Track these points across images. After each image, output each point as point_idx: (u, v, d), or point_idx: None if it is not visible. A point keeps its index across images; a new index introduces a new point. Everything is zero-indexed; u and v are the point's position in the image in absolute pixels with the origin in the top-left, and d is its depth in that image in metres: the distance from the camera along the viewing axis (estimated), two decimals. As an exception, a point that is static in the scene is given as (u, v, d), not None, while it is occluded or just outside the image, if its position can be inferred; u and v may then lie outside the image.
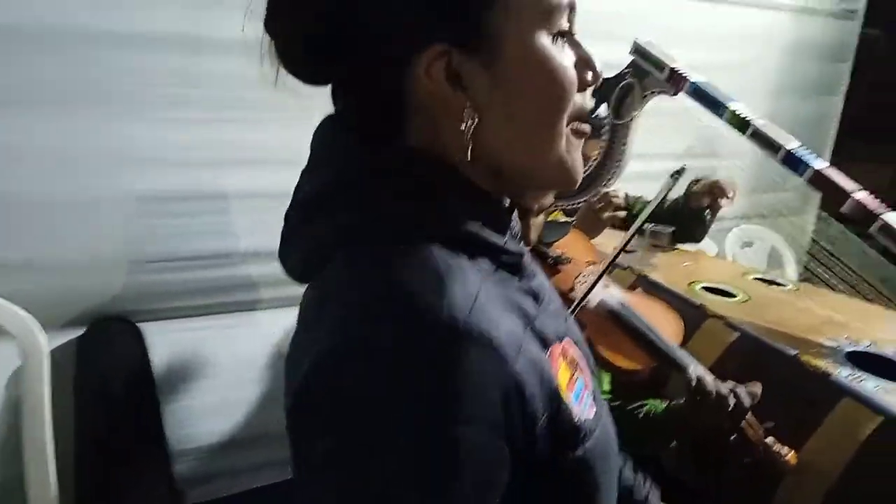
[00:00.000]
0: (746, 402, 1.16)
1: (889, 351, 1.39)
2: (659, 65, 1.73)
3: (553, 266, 1.41)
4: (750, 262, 2.87)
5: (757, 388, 1.18)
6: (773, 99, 2.82)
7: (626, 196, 2.12)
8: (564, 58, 0.58)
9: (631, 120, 1.83)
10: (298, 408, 0.52)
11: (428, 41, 0.54)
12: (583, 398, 0.58)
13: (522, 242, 0.65)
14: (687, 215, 1.92)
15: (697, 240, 2.03)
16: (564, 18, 0.59)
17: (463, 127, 0.56)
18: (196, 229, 1.84)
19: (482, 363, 0.48)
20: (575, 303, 1.30)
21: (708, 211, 1.90)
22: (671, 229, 1.92)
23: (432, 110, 0.57)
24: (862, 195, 1.45)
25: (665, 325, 1.33)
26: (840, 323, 1.50)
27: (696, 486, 1.47)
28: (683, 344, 1.45)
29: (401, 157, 0.57)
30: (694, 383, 1.18)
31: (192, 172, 1.84)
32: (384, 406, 0.47)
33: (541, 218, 1.31)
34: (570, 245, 1.48)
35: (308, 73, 0.59)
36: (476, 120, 0.56)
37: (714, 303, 1.55)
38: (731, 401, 1.16)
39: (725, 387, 1.18)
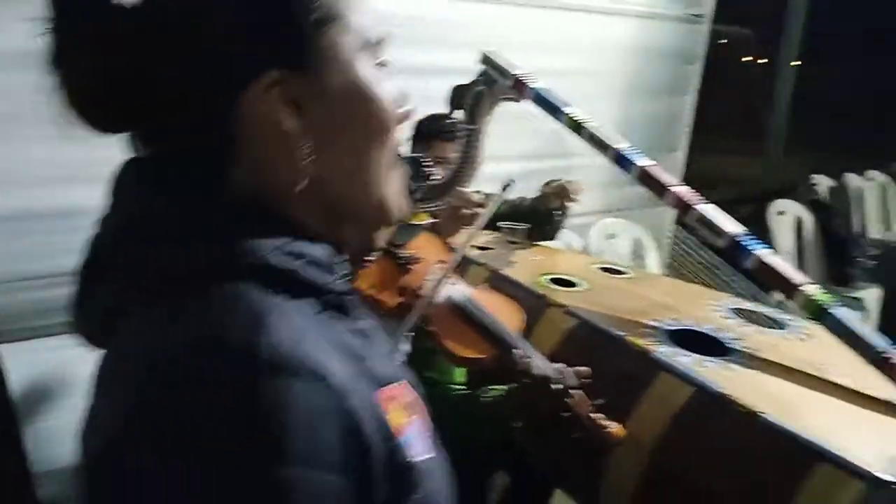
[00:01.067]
0: (572, 381, 1.27)
1: (707, 328, 1.54)
2: (504, 73, 1.84)
3: (404, 266, 1.49)
4: (614, 254, 3.06)
5: (583, 369, 1.30)
6: (627, 100, 3.02)
7: (486, 196, 2.24)
8: (387, 92, 0.58)
9: (483, 124, 1.95)
10: (102, 478, 0.47)
11: (262, 68, 0.52)
12: (418, 441, 0.56)
13: (354, 280, 0.63)
14: (540, 216, 2.05)
15: (550, 238, 2.17)
16: (380, 53, 0.59)
17: (297, 157, 0.54)
18: (51, 247, 1.81)
19: (313, 399, 0.46)
20: (423, 299, 1.37)
21: (558, 212, 2.04)
22: (526, 227, 2.04)
23: (264, 142, 0.54)
24: (680, 189, 1.61)
25: (506, 316, 1.42)
26: (668, 305, 1.65)
27: (540, 463, 1.58)
28: (528, 332, 1.56)
29: (215, 198, 0.54)
30: (524, 367, 1.28)
31: (44, 190, 1.80)
32: (202, 458, 0.43)
33: None
34: (422, 246, 1.56)
35: (107, 118, 0.54)
36: (311, 149, 0.55)
37: (557, 293, 1.67)
38: (558, 381, 1.27)
39: (554, 368, 1.28)
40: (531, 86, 1.79)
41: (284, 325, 0.48)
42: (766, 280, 1.47)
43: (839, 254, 4.39)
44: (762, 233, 4.02)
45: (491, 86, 1.87)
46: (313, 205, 0.57)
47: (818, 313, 1.40)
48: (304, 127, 0.54)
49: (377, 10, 0.59)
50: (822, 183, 5.10)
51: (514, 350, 1.33)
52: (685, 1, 3.09)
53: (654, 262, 3.18)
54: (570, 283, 1.76)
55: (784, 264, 1.47)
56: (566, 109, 1.73)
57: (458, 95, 1.96)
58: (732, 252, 1.51)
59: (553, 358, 1.49)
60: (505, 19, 2.56)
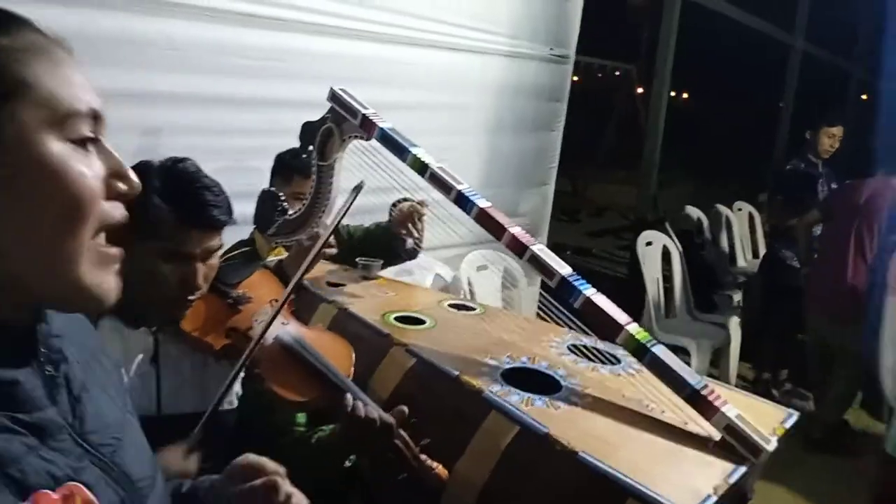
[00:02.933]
0: (389, 420, 1.27)
1: (542, 365, 1.58)
2: (353, 111, 1.85)
3: (233, 306, 1.45)
4: (485, 285, 3.11)
5: (401, 408, 1.31)
6: (493, 136, 3.10)
7: (345, 226, 2.23)
8: (83, 166, 0.56)
9: (334, 161, 1.95)
10: None
11: None
12: None
13: (55, 367, 0.60)
14: (392, 238, 2.06)
15: (411, 258, 2.17)
16: (85, 126, 0.57)
17: None
18: None
19: None
20: (253, 341, 1.34)
21: (410, 233, 2.06)
22: (380, 261, 2.04)
23: None
24: (515, 230, 1.65)
25: (336, 356, 1.41)
26: (508, 342, 1.68)
27: (383, 499, 1.57)
28: (371, 370, 1.56)
29: None
30: (349, 408, 1.28)
31: None
32: None
33: (216, 260, 1.34)
34: (255, 285, 1.53)
35: None
36: None
37: (401, 331, 1.67)
38: (383, 424, 1.27)
39: (374, 411, 1.28)
40: (378, 125, 1.81)
41: None
42: (593, 318, 1.54)
43: (706, 282, 4.64)
44: (636, 263, 4.20)
45: (340, 123, 1.88)
46: (4, 289, 0.55)
47: (639, 351, 1.47)
48: None
49: (89, 80, 0.57)
50: (693, 213, 5.40)
51: (340, 391, 1.32)
52: (550, 41, 3.22)
53: (525, 293, 3.25)
54: (418, 321, 1.77)
55: (608, 304, 1.53)
56: (413, 150, 1.76)
57: (309, 132, 1.96)
58: (563, 291, 1.57)
59: (395, 396, 1.49)
60: (368, 54, 2.59)
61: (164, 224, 1.22)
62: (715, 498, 1.22)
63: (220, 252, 1.35)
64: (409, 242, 2.06)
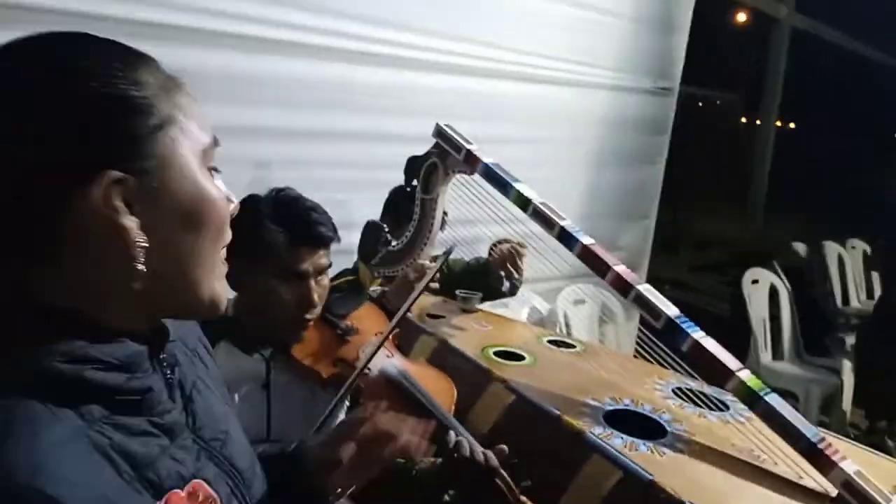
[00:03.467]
0: (493, 462, 1.26)
1: (646, 408, 1.54)
2: (457, 146, 1.89)
3: (341, 337, 1.49)
4: (581, 319, 3.06)
5: (502, 447, 1.30)
6: (595, 168, 3.07)
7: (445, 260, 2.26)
8: (218, 191, 0.63)
9: (437, 195, 1.98)
10: None
11: (97, 168, 0.54)
12: None
13: (171, 371, 0.65)
14: (491, 277, 2.08)
15: (510, 295, 2.18)
16: (213, 156, 0.64)
17: (133, 254, 0.56)
18: None
19: None
20: (356, 371, 1.38)
21: (508, 274, 2.07)
22: (479, 294, 2.05)
23: (99, 241, 0.56)
24: (621, 268, 1.63)
25: (439, 392, 1.43)
26: (610, 382, 1.65)
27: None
28: (470, 405, 1.57)
29: (14, 302, 0.55)
30: (451, 445, 1.28)
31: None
32: None
33: (326, 280, 1.39)
34: (363, 317, 1.57)
35: None
36: (147, 247, 0.57)
37: (500, 366, 1.67)
38: (485, 463, 1.27)
39: (478, 448, 1.28)
40: (482, 160, 1.84)
41: (27, 447, 0.49)
42: (701, 362, 1.49)
43: (816, 323, 4.40)
44: (739, 299, 4.04)
45: (444, 158, 1.92)
46: (140, 302, 0.59)
47: (751, 399, 1.41)
48: (141, 225, 0.57)
49: (209, 116, 0.62)
50: (801, 250, 5.15)
51: (443, 426, 1.33)
52: (653, 75, 3.18)
53: (622, 329, 3.18)
54: (517, 356, 1.76)
55: (718, 348, 1.48)
56: (516, 185, 1.77)
57: (413, 166, 2.01)
58: (669, 333, 1.53)
59: (494, 432, 1.49)
60: (478, 90, 2.64)
61: (278, 246, 1.33)
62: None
63: (330, 272, 1.42)
64: (507, 284, 2.07)
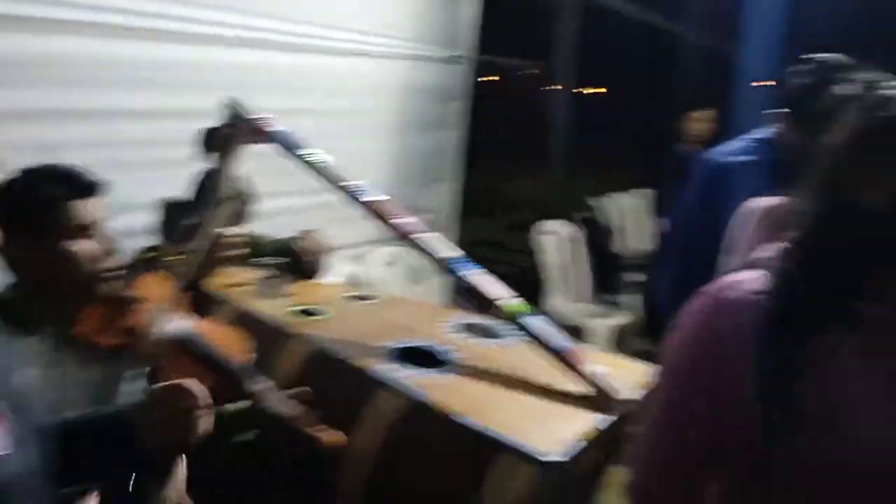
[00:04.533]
0: (290, 402, 1.37)
1: (433, 343, 1.71)
2: (245, 118, 1.94)
3: (125, 306, 1.51)
4: (393, 281, 3.23)
5: (303, 389, 1.41)
6: (398, 136, 3.23)
7: (251, 234, 2.31)
8: None
9: (230, 167, 2.02)
10: None
11: None
12: None
13: None
14: (297, 262, 2.18)
15: (310, 277, 2.29)
16: None
17: None
18: None
19: None
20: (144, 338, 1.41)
21: (313, 261, 2.18)
22: (284, 260, 2.13)
23: None
24: (402, 219, 1.78)
25: (230, 345, 1.50)
26: (403, 326, 1.80)
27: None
28: (272, 362, 1.65)
29: None
30: (249, 391, 1.37)
31: None
32: None
33: (109, 232, 1.41)
34: (151, 286, 1.59)
35: None
36: None
37: (300, 323, 1.77)
38: (279, 404, 1.37)
39: (281, 394, 1.38)
40: (271, 130, 1.90)
41: None
42: (476, 295, 1.68)
43: (608, 266, 4.90)
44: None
45: (235, 130, 1.96)
46: None
47: (518, 322, 1.62)
48: None
49: None
50: (594, 203, 5.67)
51: (237, 377, 1.41)
52: (448, 44, 3.36)
53: (434, 287, 3.38)
54: (317, 313, 1.87)
55: (490, 282, 1.68)
56: (302, 151, 1.86)
57: (208, 138, 2.03)
58: (449, 273, 1.70)
59: (295, 383, 1.59)
60: (273, 63, 2.67)
61: (54, 208, 1.33)
62: (584, 444, 1.37)
63: (109, 224, 1.43)
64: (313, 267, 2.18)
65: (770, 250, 0.92)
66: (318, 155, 1.86)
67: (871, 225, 0.80)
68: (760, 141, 1.82)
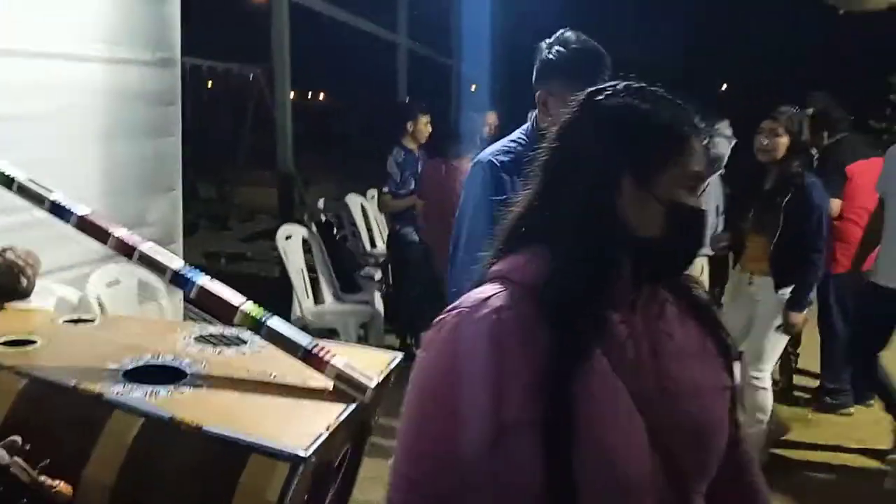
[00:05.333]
0: (3, 455, 1.23)
1: (167, 358, 1.63)
2: None
3: None
4: (118, 301, 2.98)
5: (12, 438, 1.27)
6: (105, 143, 2.98)
7: None
8: None
9: None
10: None
11: None
12: None
13: None
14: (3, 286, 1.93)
15: (23, 297, 2.04)
16: None
17: None
18: None
19: None
20: None
21: (16, 280, 1.94)
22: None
23: None
24: (120, 232, 1.67)
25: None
26: (131, 345, 1.68)
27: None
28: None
29: None
30: None
31: None
32: None
33: None
34: None
35: None
36: None
37: (7, 355, 1.58)
38: None
39: None
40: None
41: None
42: (210, 305, 1.63)
43: (348, 266, 5.00)
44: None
45: None
46: None
47: (256, 326, 1.61)
48: None
49: None
50: (332, 205, 5.75)
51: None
52: (152, 46, 3.18)
53: (167, 303, 3.18)
54: (29, 343, 1.67)
55: (224, 289, 1.64)
56: (-11, 163, 1.66)
57: None
58: (178, 285, 1.63)
59: (8, 424, 1.41)
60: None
61: None
62: (326, 434, 1.40)
63: None
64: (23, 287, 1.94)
65: (509, 262, 0.94)
66: (8, 168, 1.67)
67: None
68: (521, 138, 1.97)
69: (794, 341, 3.97)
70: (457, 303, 0.92)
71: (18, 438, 1.29)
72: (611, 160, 0.90)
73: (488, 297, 0.90)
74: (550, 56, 1.89)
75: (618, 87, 0.95)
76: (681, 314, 0.99)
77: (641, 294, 0.94)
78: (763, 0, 13.72)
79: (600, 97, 0.95)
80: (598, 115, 0.94)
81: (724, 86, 16.08)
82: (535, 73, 1.93)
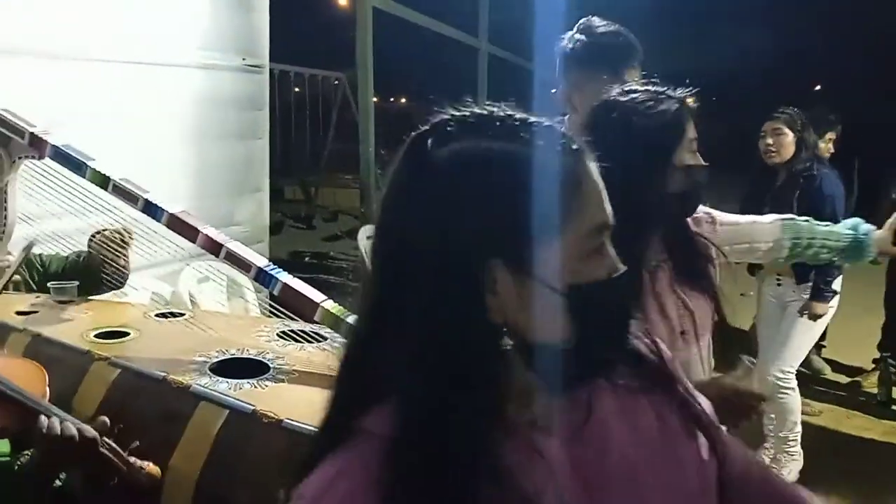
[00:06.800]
0: (90, 433, 1.28)
1: (252, 353, 1.67)
2: (18, 131, 1.78)
3: None
4: (208, 297, 3.09)
5: (104, 419, 1.32)
6: (196, 146, 3.10)
7: (38, 256, 2.11)
8: None
9: (5, 185, 1.85)
10: None
11: None
12: None
13: None
14: (94, 269, 2.00)
15: (118, 287, 2.12)
16: None
17: None
18: None
19: None
20: None
21: (114, 261, 2.01)
22: (75, 283, 1.97)
23: None
24: (208, 230, 1.72)
25: (26, 380, 1.38)
26: (218, 339, 1.74)
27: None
28: (74, 389, 1.53)
29: None
30: (43, 430, 1.26)
31: None
32: None
33: None
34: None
35: None
36: None
37: (102, 346, 1.65)
38: (77, 437, 1.27)
39: (72, 426, 1.28)
40: (50, 142, 1.76)
41: None
42: (292, 301, 1.66)
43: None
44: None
45: (6, 144, 1.79)
46: None
47: (336, 323, 1.63)
48: None
49: None
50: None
51: (34, 413, 1.30)
52: (242, 52, 3.29)
53: (252, 299, 3.28)
54: (121, 335, 1.75)
55: (305, 287, 1.67)
56: (89, 164, 1.74)
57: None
58: (262, 282, 1.67)
59: (102, 409, 1.48)
60: (55, 75, 2.47)
61: None
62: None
63: None
64: (114, 274, 2.01)
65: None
66: (105, 168, 1.75)
67: None
68: None
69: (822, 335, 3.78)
70: (299, 488, 0.66)
71: (107, 419, 1.35)
72: (470, 241, 0.61)
73: (332, 480, 0.64)
74: (571, 47, 1.70)
75: (442, 123, 0.65)
76: (618, 396, 0.71)
77: (549, 409, 0.67)
78: None
79: (427, 146, 0.64)
80: (432, 175, 0.63)
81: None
82: (557, 69, 1.74)
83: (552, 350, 0.64)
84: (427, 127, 0.65)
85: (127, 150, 2.61)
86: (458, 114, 0.65)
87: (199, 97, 3.09)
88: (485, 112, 0.65)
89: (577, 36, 1.70)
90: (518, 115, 0.65)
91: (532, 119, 0.65)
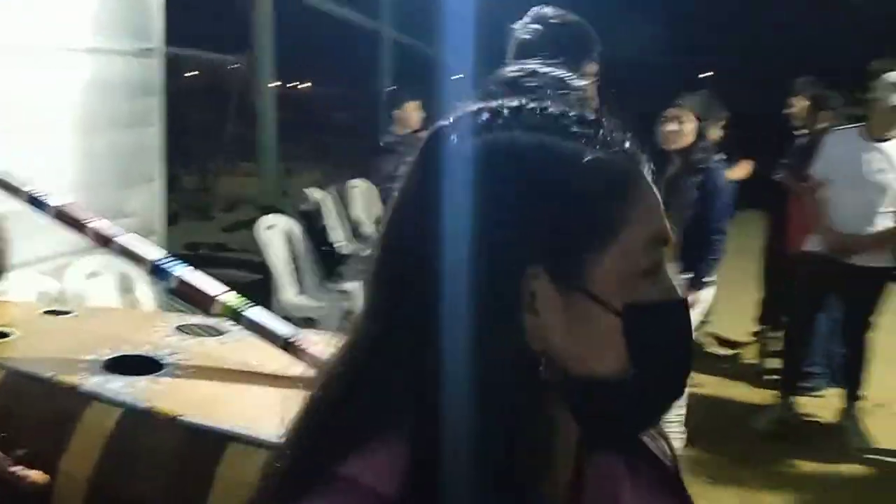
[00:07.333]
0: None
1: (145, 350, 1.63)
2: None
3: None
4: (97, 293, 2.96)
5: None
6: (87, 135, 2.96)
7: None
8: None
9: None
10: None
11: None
12: None
13: None
14: None
15: None
16: None
17: None
18: None
19: None
20: None
21: None
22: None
23: None
24: (97, 224, 1.66)
25: None
26: (110, 336, 1.68)
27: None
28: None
29: None
30: None
31: None
32: None
33: None
34: None
35: None
36: None
37: (-17, 347, 1.57)
38: None
39: None
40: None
41: None
42: (189, 295, 1.63)
43: (332, 255, 4.99)
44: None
45: None
46: None
47: (235, 316, 1.60)
48: None
49: None
50: (313, 195, 5.72)
51: None
52: (133, 36, 3.15)
53: (146, 294, 3.16)
54: (2, 335, 1.66)
55: (203, 279, 1.64)
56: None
57: None
58: (157, 276, 1.63)
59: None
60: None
61: None
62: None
63: None
64: None
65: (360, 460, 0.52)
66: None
67: None
68: None
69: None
70: None
71: None
72: (505, 242, 0.50)
73: None
74: (526, 36, 1.66)
75: (484, 111, 0.55)
76: (635, 486, 0.60)
77: (584, 479, 0.57)
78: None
79: (454, 139, 0.54)
80: (461, 167, 0.52)
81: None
82: (508, 58, 1.71)
83: (606, 388, 0.51)
84: (451, 119, 0.56)
85: (10, 138, 2.46)
86: (485, 106, 0.55)
87: (88, 83, 2.93)
88: (521, 103, 0.55)
89: (532, 25, 1.64)
90: (559, 110, 0.55)
91: (586, 115, 0.55)
